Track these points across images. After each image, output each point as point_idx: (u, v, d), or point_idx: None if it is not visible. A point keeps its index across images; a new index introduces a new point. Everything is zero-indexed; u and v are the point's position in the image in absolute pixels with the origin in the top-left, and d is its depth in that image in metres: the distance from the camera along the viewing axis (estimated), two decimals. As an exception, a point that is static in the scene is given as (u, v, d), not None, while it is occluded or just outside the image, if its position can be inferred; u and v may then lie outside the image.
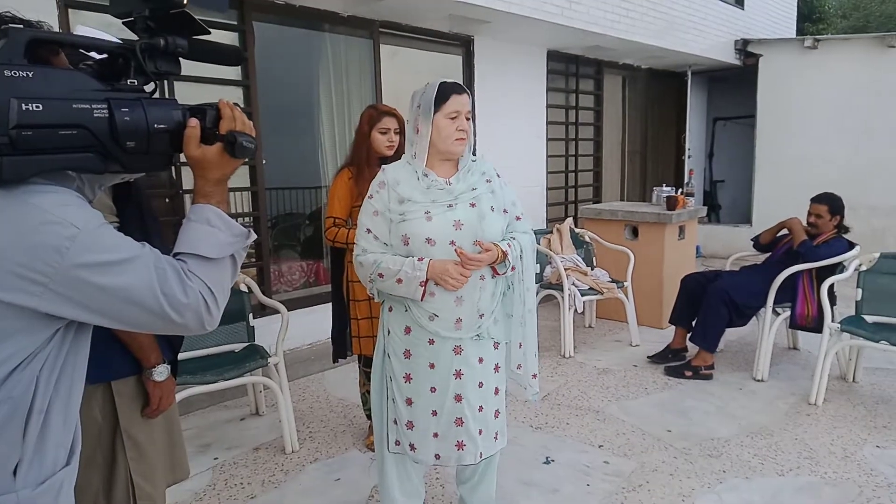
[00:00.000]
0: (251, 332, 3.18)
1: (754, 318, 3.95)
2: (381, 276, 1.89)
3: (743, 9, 8.46)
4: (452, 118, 1.90)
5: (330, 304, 3.01)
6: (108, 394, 1.49)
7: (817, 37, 7.95)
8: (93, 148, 0.89)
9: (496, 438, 2.06)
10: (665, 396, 3.60)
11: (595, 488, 2.62)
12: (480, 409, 1.98)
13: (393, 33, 5.02)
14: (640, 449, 2.97)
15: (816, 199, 3.86)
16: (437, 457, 2.00)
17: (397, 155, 2.69)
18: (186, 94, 3.52)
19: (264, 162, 4.26)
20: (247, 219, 4.33)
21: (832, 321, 3.50)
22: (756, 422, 3.25)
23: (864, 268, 3.63)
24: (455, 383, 1.94)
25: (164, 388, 1.55)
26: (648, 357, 4.19)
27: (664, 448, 2.98)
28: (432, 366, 1.94)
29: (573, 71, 7.00)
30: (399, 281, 1.87)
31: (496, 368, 2.02)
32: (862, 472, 2.73)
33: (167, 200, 3.92)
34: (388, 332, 2.01)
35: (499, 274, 1.95)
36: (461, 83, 1.97)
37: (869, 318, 3.58)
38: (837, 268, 3.65)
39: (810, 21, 16.70)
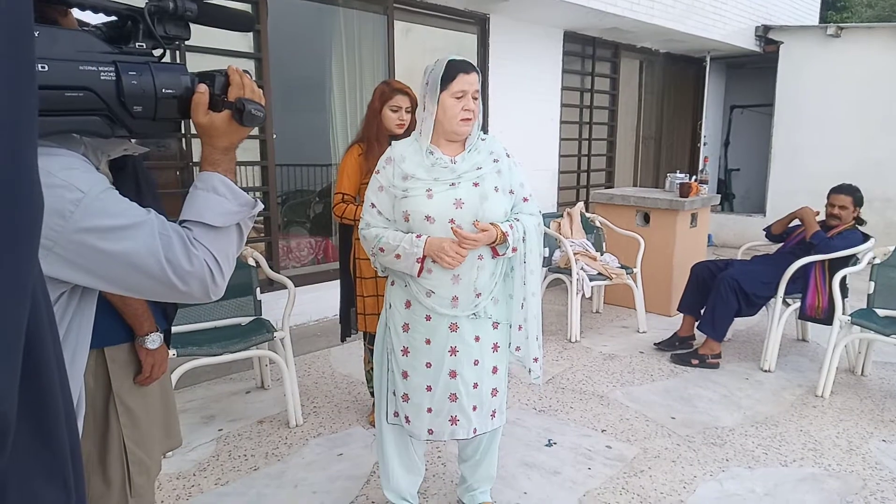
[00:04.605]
0: (258, 307, 3.19)
1: (763, 308, 3.92)
2: (381, 250, 1.91)
3: (766, -6, 8.30)
4: (458, 98, 1.87)
5: (337, 280, 3.01)
6: (101, 360, 1.50)
7: (841, 24, 7.78)
8: (99, 111, 0.87)
9: (493, 416, 2.06)
10: (670, 384, 3.59)
11: (596, 472, 2.63)
12: (475, 386, 1.99)
13: (407, 9, 4.96)
14: (644, 435, 2.97)
15: (839, 190, 3.77)
16: (430, 432, 2.02)
17: (407, 133, 2.67)
18: (198, 64, 3.49)
19: (274, 137, 4.24)
20: (256, 193, 4.33)
21: (843, 313, 3.46)
22: (761, 412, 3.24)
23: (877, 261, 3.58)
24: (450, 360, 1.95)
25: (157, 356, 1.56)
26: (655, 344, 4.17)
27: (667, 435, 2.97)
28: (428, 341, 1.95)
29: (590, 53, 6.91)
30: (398, 256, 1.88)
31: (495, 348, 2.01)
32: (867, 465, 2.72)
33: (177, 172, 3.92)
34: (390, 305, 2.03)
35: (499, 255, 1.94)
36: (469, 61, 1.92)
37: (880, 312, 3.54)
38: (851, 260, 3.61)
39: (834, 10, 16.36)
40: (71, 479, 0.50)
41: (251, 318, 3.14)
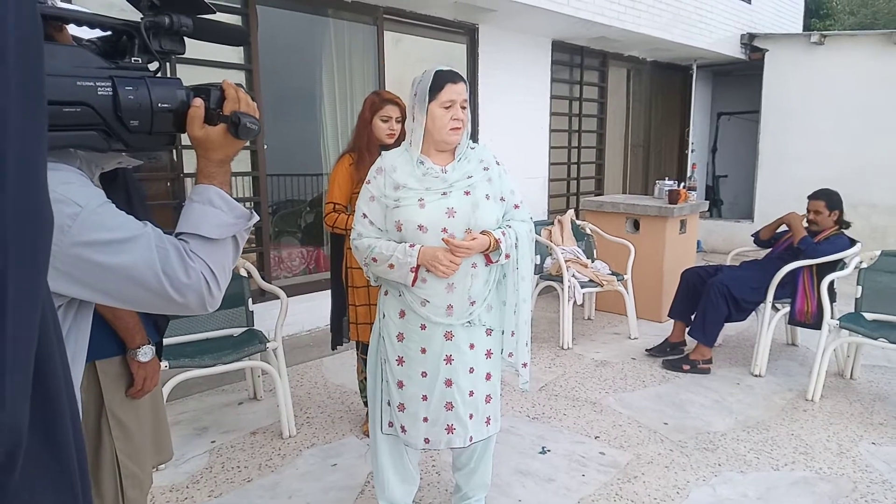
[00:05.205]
0: (250, 317, 3.18)
1: (753, 313, 3.96)
2: (374, 260, 1.92)
3: (750, 3, 8.42)
4: (447, 107, 1.88)
5: (329, 290, 3.01)
6: (93, 373, 1.49)
7: (824, 32, 7.90)
8: (96, 126, 0.88)
9: (488, 423, 2.07)
10: (662, 389, 3.61)
11: (590, 479, 2.64)
12: (471, 394, 1.99)
13: (397, 20, 4.99)
14: (636, 441, 2.98)
15: (814, 196, 3.86)
16: (427, 441, 2.02)
17: (398, 143, 2.68)
18: (189, 76, 3.50)
19: (265, 147, 4.24)
20: (247, 204, 4.32)
21: (831, 318, 3.50)
22: (752, 416, 3.26)
23: (864, 265, 3.62)
24: (445, 368, 1.95)
25: (149, 368, 1.56)
26: (647, 350, 4.19)
27: (660, 440, 2.99)
28: (424, 350, 1.95)
29: (578, 62, 6.97)
30: (391, 266, 1.88)
31: (488, 354, 2.03)
32: (857, 468, 2.74)
33: (168, 184, 3.91)
34: (384, 315, 2.03)
35: (492, 262, 1.95)
36: (457, 71, 1.94)
37: (868, 316, 3.58)
38: (838, 265, 3.65)
39: (818, 17, 16.61)
40: (79, 488, 0.51)
41: (243, 329, 3.13)
